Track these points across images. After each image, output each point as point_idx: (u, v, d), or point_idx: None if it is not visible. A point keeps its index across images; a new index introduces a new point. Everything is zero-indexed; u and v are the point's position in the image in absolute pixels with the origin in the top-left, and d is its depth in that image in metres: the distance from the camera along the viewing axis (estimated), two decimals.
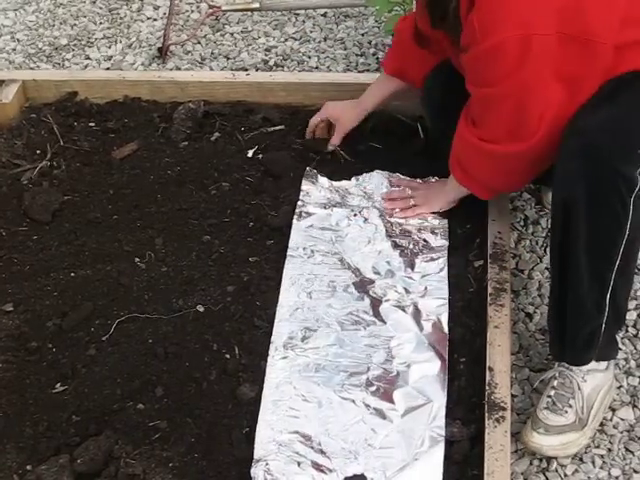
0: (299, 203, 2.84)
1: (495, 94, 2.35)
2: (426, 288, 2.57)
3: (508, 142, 2.39)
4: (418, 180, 2.91)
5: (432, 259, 2.65)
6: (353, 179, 2.96)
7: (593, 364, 2.34)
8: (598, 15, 2.21)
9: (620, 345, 2.52)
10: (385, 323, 2.49)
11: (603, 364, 2.36)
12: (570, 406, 2.30)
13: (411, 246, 2.70)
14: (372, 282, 2.60)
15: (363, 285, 2.60)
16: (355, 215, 2.81)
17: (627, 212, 2.11)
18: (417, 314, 2.50)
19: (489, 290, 2.50)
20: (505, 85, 2.30)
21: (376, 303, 2.54)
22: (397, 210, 2.82)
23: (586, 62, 2.23)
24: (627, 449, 2.35)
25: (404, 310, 2.52)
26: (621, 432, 2.39)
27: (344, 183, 2.95)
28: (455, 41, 2.42)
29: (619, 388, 2.46)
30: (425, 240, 2.71)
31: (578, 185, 2.13)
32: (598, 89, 2.26)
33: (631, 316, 2.61)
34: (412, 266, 2.64)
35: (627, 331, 2.59)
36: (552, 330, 2.38)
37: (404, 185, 2.89)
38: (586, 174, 2.11)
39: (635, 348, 2.55)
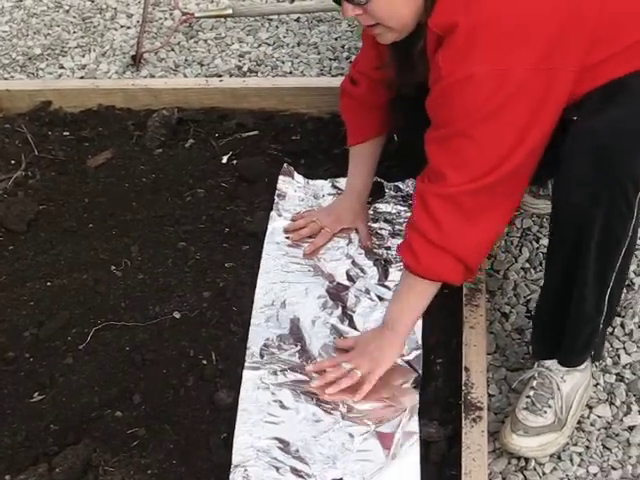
0: (272, 213, 2.84)
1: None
2: None
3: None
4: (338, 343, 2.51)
5: None
6: (329, 180, 2.97)
7: None
8: (574, 44, 2.19)
9: None
10: (358, 331, 2.50)
11: (583, 364, 2.38)
12: (549, 406, 2.31)
13: (385, 254, 2.70)
14: (346, 289, 2.61)
15: (337, 292, 2.61)
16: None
17: (632, 213, 2.09)
18: None
19: (464, 291, 2.51)
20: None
21: (350, 311, 2.55)
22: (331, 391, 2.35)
23: (550, 89, 2.16)
24: (605, 446, 2.36)
25: (377, 319, 2.50)
26: (598, 429, 2.39)
27: (319, 182, 2.97)
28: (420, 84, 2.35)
29: (596, 386, 2.47)
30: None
31: (589, 186, 2.09)
32: (593, 93, 2.25)
33: None
34: (386, 275, 2.65)
35: None
36: (545, 331, 2.36)
37: (327, 365, 2.39)
38: (596, 175, 2.08)
39: (611, 345, 2.56)
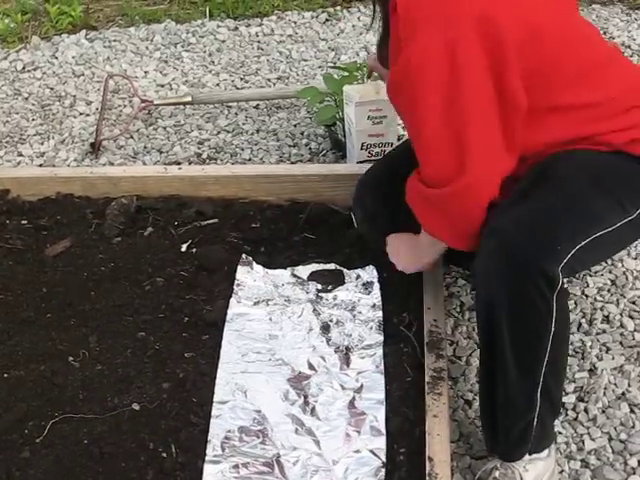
0: (232, 300, 2.83)
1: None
2: (362, 385, 2.56)
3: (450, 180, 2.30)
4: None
5: (368, 355, 2.64)
6: (288, 269, 2.96)
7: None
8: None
9: (560, 429, 2.53)
10: (321, 421, 2.47)
11: (544, 452, 2.36)
12: None
13: (346, 342, 2.69)
14: (307, 378, 2.59)
15: (299, 382, 2.58)
16: (288, 309, 2.81)
17: (550, 309, 2.12)
18: (353, 411, 2.48)
19: (426, 379, 2.49)
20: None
21: (312, 400, 2.52)
22: None
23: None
24: None
25: (340, 408, 2.50)
26: None
27: (279, 272, 2.95)
28: None
29: (561, 472, 2.45)
30: (360, 335, 2.70)
31: (498, 285, 2.13)
32: (513, 187, 2.29)
33: (570, 399, 2.61)
34: (347, 363, 2.63)
35: (567, 414, 2.59)
36: (484, 425, 2.38)
37: None
38: (506, 273, 2.11)
39: (575, 431, 2.55)
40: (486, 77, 2.20)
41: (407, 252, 2.69)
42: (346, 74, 3.57)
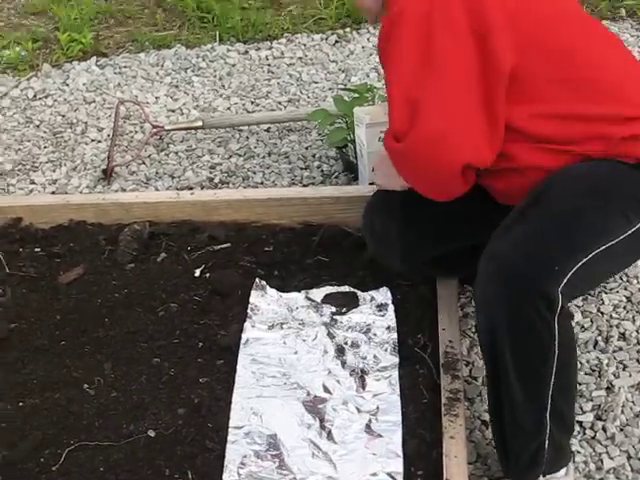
0: (246, 324, 2.82)
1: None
2: (378, 407, 2.54)
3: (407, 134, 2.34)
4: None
5: (383, 377, 2.63)
6: (302, 292, 2.95)
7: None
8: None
9: (578, 448, 2.52)
10: (337, 444, 2.46)
11: (562, 470, 2.34)
12: None
13: (361, 365, 2.67)
14: (323, 401, 2.57)
15: (314, 405, 2.57)
16: (303, 332, 2.80)
17: (552, 332, 2.10)
18: (370, 434, 2.47)
19: (443, 400, 2.48)
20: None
21: (328, 424, 2.51)
22: None
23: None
24: None
25: (356, 431, 2.48)
26: None
27: (293, 295, 2.95)
28: None
29: None
30: (375, 357, 2.69)
31: (498, 310, 2.12)
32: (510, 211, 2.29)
33: (588, 418, 2.60)
34: (363, 385, 2.62)
35: (585, 433, 2.57)
36: (497, 448, 2.37)
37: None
38: (505, 297, 2.10)
39: (594, 450, 2.53)
40: (466, 37, 2.24)
41: (386, 171, 2.66)
42: (356, 96, 3.58)
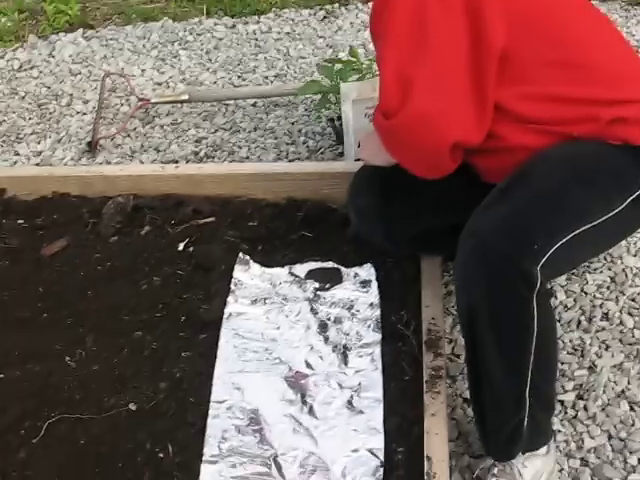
0: (229, 299, 2.81)
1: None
2: (360, 384, 2.54)
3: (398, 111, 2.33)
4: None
5: (366, 354, 2.62)
6: (286, 267, 2.95)
7: None
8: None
9: (560, 427, 2.52)
10: (319, 420, 2.46)
11: (543, 449, 2.34)
12: None
13: (344, 341, 2.67)
14: (305, 377, 2.57)
15: (296, 381, 2.57)
16: (286, 308, 2.80)
17: (531, 310, 2.10)
18: (351, 410, 2.47)
19: (425, 377, 2.48)
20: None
21: (310, 400, 2.51)
22: None
23: None
24: None
25: (338, 407, 2.48)
26: None
27: (276, 271, 2.94)
28: None
29: (560, 471, 2.44)
30: (358, 333, 2.69)
31: (477, 287, 2.12)
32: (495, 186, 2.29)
33: (569, 397, 2.61)
34: (345, 362, 2.62)
35: (566, 412, 2.58)
36: (477, 426, 2.37)
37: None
38: (483, 275, 2.10)
39: (575, 430, 2.54)
40: (459, 15, 2.23)
41: (372, 147, 2.68)
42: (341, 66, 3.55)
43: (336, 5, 4.80)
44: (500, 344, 2.15)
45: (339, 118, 3.56)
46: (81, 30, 4.76)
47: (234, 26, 4.71)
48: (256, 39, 4.57)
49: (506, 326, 2.13)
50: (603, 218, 2.20)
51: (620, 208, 2.24)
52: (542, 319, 2.12)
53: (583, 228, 2.16)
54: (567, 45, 2.34)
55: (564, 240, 2.12)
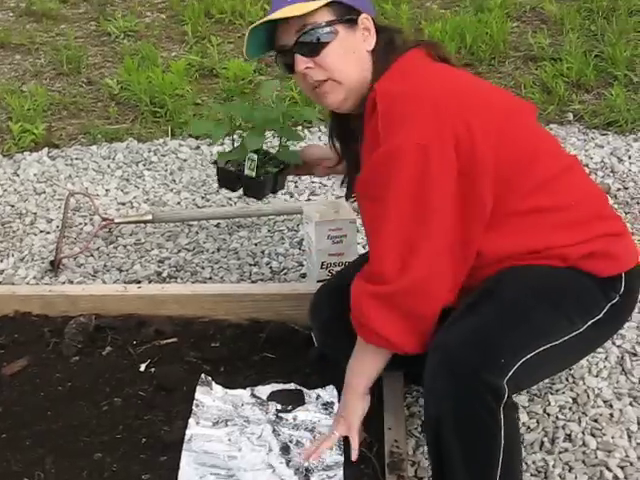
0: (191, 420, 2.78)
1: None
2: None
3: (397, 277, 2.34)
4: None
5: (328, 477, 2.59)
6: (248, 389, 2.93)
7: None
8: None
9: None
10: None
11: None
12: None
13: (306, 464, 2.64)
14: None
15: None
16: (248, 430, 2.77)
17: (498, 422, 2.12)
18: None
19: None
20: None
21: None
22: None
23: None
24: None
25: None
26: None
27: (238, 392, 2.92)
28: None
29: None
30: (320, 456, 2.65)
31: (444, 400, 2.14)
32: (459, 301, 2.32)
33: None
34: None
35: None
36: None
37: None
38: (450, 389, 2.13)
39: None
40: (454, 182, 2.27)
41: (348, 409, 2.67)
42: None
43: (299, 128, 4.84)
44: (467, 455, 2.16)
45: (239, 165, 3.26)
46: (46, 149, 4.80)
47: (198, 147, 4.77)
48: None
49: (473, 436, 2.14)
50: (565, 338, 2.27)
51: (581, 330, 2.31)
52: (509, 431, 2.15)
53: (545, 347, 2.23)
54: (542, 193, 2.41)
55: (528, 357, 2.17)
